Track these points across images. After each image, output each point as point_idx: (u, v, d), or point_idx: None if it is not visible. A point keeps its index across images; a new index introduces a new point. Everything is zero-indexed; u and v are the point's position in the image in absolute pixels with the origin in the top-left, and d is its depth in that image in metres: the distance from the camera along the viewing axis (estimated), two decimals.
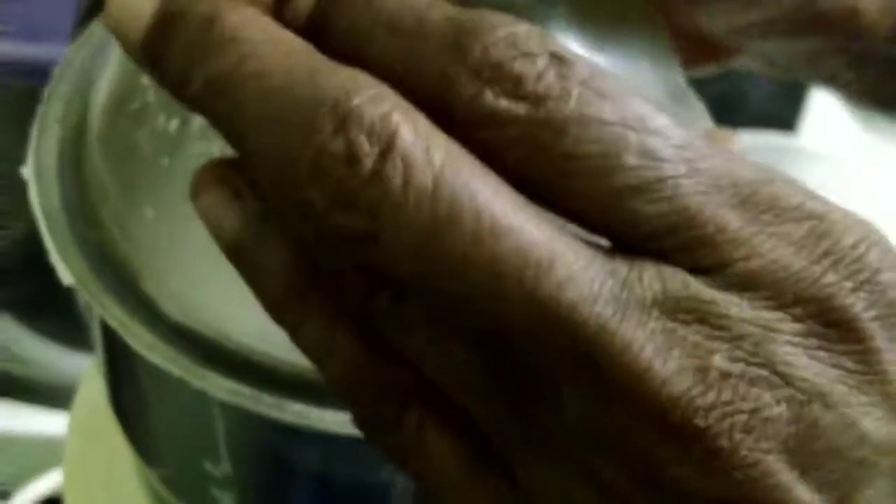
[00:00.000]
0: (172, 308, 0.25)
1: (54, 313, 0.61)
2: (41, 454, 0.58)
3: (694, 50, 0.29)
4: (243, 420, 0.26)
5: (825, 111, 0.77)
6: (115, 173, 0.26)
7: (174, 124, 0.24)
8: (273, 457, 0.27)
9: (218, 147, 0.24)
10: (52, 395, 0.61)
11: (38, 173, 0.27)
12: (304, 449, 0.26)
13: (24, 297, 0.63)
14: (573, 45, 0.25)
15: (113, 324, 0.25)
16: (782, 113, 0.80)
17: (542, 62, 0.17)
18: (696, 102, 0.31)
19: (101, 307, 0.25)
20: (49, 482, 0.57)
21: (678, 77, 0.28)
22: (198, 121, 0.24)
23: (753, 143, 0.74)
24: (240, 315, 0.24)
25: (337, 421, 0.24)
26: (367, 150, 0.16)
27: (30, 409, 0.61)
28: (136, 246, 0.26)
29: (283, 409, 0.24)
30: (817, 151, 0.75)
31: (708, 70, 0.31)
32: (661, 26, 0.28)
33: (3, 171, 0.57)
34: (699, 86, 0.85)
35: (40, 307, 0.63)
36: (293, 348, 0.24)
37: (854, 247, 0.17)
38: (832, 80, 0.31)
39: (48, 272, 0.26)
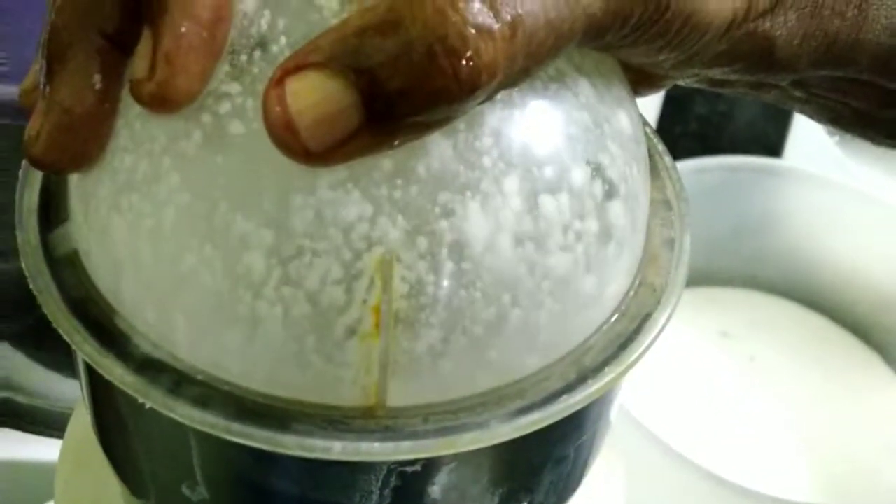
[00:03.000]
0: (143, 342, 0.26)
1: (57, 345, 0.62)
2: (44, 483, 0.59)
3: (629, 76, 0.29)
4: (214, 446, 0.27)
5: (810, 133, 0.77)
6: (85, 213, 0.27)
7: (142, 167, 0.25)
8: (245, 480, 0.28)
9: (176, 180, 0.25)
10: (56, 424, 0.62)
11: (20, 215, 0.28)
12: (273, 472, 0.27)
13: (27, 329, 0.64)
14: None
15: (86, 358, 0.26)
16: (767, 135, 0.81)
17: None
18: (649, 136, 0.32)
19: (74, 343, 0.26)
20: None
21: (631, 110, 0.29)
22: (166, 160, 0.25)
23: (738, 164, 0.75)
24: (206, 349, 0.26)
25: (302, 446, 0.25)
26: None
27: (33, 437, 0.62)
28: (107, 284, 0.27)
29: (250, 435, 0.25)
30: (802, 172, 0.75)
31: (646, 94, 0.31)
32: (615, 62, 0.29)
33: (4, 209, 0.59)
34: (685, 110, 0.87)
35: (42, 339, 0.64)
36: (259, 379, 0.25)
37: None
38: (779, 102, 0.31)
39: None
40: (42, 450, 0.61)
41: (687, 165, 0.73)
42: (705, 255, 0.75)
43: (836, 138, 0.79)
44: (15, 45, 0.48)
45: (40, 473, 0.61)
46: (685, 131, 0.84)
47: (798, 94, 0.30)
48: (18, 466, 0.61)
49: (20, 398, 0.62)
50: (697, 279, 0.77)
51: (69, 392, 0.62)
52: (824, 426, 0.72)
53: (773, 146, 0.82)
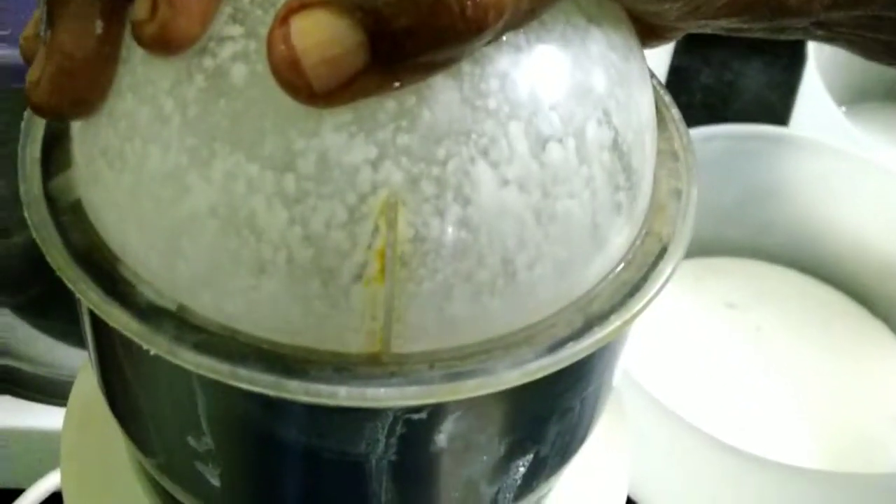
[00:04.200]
0: (148, 290, 0.26)
1: (62, 313, 0.62)
2: (49, 450, 0.59)
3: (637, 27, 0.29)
4: (219, 393, 0.27)
5: (816, 103, 0.77)
6: (88, 160, 0.27)
7: (145, 111, 0.25)
8: (250, 429, 0.28)
9: (179, 124, 0.25)
10: (61, 392, 0.62)
11: (23, 166, 0.28)
12: (278, 420, 0.27)
13: (32, 299, 0.64)
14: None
15: (91, 307, 0.26)
16: (773, 105, 0.81)
17: None
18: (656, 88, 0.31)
19: (79, 291, 0.26)
20: (58, 478, 0.58)
21: (640, 58, 0.29)
22: (169, 104, 0.25)
23: (745, 133, 0.74)
24: (211, 295, 0.25)
25: (307, 391, 0.25)
26: None
27: (39, 406, 0.63)
28: (111, 233, 0.27)
29: (255, 380, 0.25)
30: (808, 141, 0.75)
31: (654, 45, 0.31)
32: (622, 11, 0.29)
33: (8, 181, 0.58)
34: (691, 80, 0.86)
35: (48, 308, 0.64)
36: (264, 325, 0.25)
37: None
38: (806, 39, 0.31)
39: (54, 274, 0.27)
40: (45, 418, 0.61)
41: (693, 134, 0.72)
42: (711, 225, 0.75)
43: (844, 108, 0.79)
44: (15, 8, 0.48)
45: (44, 441, 0.61)
46: (691, 102, 0.84)
47: (821, 33, 0.29)
48: (22, 435, 0.61)
49: (25, 367, 0.62)
50: (703, 249, 0.77)
51: (75, 361, 0.62)
52: (830, 396, 0.72)
53: (779, 116, 0.82)
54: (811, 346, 0.75)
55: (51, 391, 0.62)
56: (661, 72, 0.80)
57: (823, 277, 0.79)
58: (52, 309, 0.63)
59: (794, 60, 0.81)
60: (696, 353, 0.73)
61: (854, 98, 0.84)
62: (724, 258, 0.79)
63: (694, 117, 0.80)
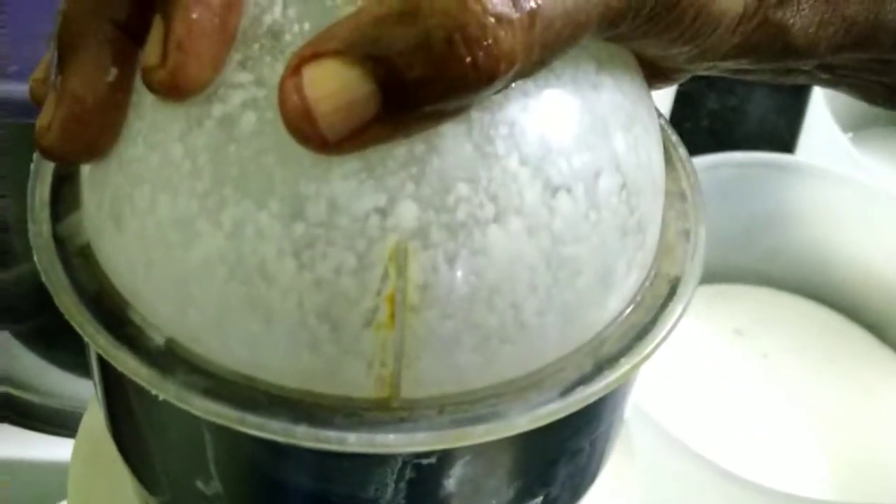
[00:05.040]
0: (157, 334, 0.26)
1: (69, 344, 0.63)
2: (54, 482, 0.59)
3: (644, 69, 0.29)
4: (228, 438, 0.27)
5: (822, 129, 0.77)
6: (97, 204, 0.27)
7: (155, 157, 0.25)
8: (259, 473, 0.28)
9: (188, 170, 0.25)
10: (67, 422, 0.62)
11: (32, 208, 0.28)
12: (287, 465, 0.27)
13: (39, 329, 0.64)
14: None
15: (99, 351, 0.26)
16: (780, 131, 0.81)
17: None
18: (663, 127, 0.31)
19: (87, 335, 0.26)
20: None
21: (648, 101, 0.29)
22: (179, 150, 0.25)
23: (751, 160, 0.74)
24: (220, 341, 0.25)
25: (317, 437, 0.25)
26: None
27: (45, 437, 0.63)
28: (120, 276, 0.27)
29: (264, 427, 0.25)
30: (814, 168, 0.75)
31: (661, 87, 0.31)
32: (630, 55, 0.29)
33: (15, 211, 0.59)
34: (697, 106, 0.86)
35: (55, 338, 0.64)
36: (273, 370, 0.25)
37: None
38: (809, 83, 0.31)
39: None
40: (52, 449, 0.61)
41: (699, 162, 0.72)
42: (718, 252, 0.75)
43: (850, 134, 0.79)
44: (26, 45, 0.48)
45: (49, 473, 0.61)
46: (697, 127, 0.84)
47: (825, 76, 0.29)
48: (27, 466, 0.61)
49: (30, 397, 0.62)
50: (710, 276, 0.77)
51: (81, 391, 0.62)
52: (838, 423, 0.72)
53: (785, 142, 0.82)
54: (819, 372, 0.75)
55: (57, 422, 0.62)
56: (668, 98, 0.80)
57: (831, 304, 0.79)
58: (58, 339, 0.63)
59: (799, 86, 0.81)
60: (703, 380, 0.73)
61: (860, 124, 0.84)
62: (731, 285, 0.79)
63: (700, 143, 0.80)
